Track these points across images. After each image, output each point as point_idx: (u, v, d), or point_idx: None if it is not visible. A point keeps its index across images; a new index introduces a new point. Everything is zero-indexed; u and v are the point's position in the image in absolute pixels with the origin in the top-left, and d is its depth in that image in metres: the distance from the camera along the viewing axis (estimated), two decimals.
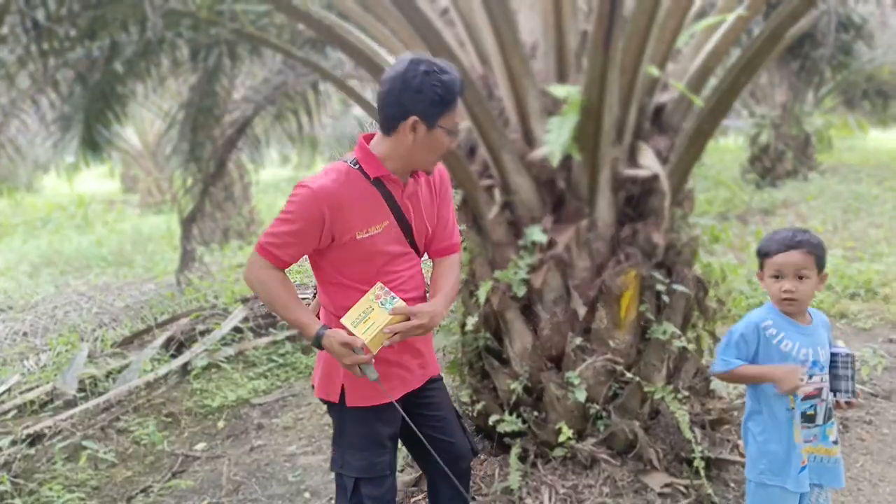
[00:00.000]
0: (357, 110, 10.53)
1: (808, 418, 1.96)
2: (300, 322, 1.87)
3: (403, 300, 1.89)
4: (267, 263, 1.86)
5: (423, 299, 2.02)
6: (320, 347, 1.86)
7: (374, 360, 1.85)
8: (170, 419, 4.07)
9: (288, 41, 4.78)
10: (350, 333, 1.82)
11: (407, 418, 1.98)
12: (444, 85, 1.74)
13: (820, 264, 1.91)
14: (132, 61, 4.98)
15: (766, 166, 11.54)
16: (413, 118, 1.76)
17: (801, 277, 1.90)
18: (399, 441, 2.14)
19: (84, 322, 6.09)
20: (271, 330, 5.31)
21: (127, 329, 5.82)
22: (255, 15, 4.16)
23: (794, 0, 2.37)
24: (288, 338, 5.13)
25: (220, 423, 3.98)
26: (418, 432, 2.00)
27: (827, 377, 1.95)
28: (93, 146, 6.13)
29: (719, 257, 3.99)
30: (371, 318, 1.82)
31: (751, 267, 5.55)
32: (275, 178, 18.78)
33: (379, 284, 1.87)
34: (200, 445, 3.74)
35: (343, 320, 1.84)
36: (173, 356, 4.93)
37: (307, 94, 7.25)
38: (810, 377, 1.93)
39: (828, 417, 1.98)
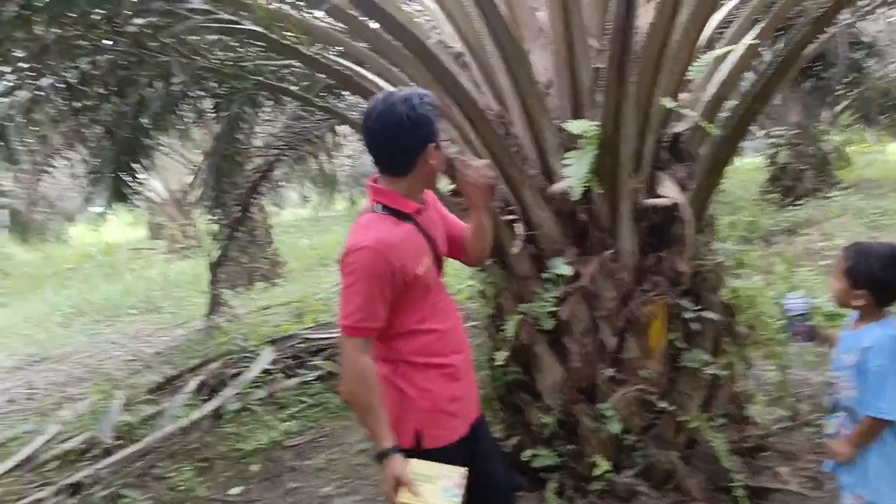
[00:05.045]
0: None
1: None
2: (379, 431, 1.82)
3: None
4: (362, 343, 1.81)
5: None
6: (379, 461, 1.85)
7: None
8: (205, 464, 4.10)
9: (306, 87, 4.92)
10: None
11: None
12: (433, 103, 1.81)
13: (847, 273, 2.02)
14: (158, 115, 5.16)
15: (786, 185, 11.45)
16: (430, 146, 1.82)
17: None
18: None
19: (117, 370, 6.20)
20: (300, 371, 5.35)
21: (159, 375, 5.91)
22: (276, 66, 4.30)
23: (804, 28, 2.42)
24: (317, 378, 5.17)
25: (255, 467, 4.00)
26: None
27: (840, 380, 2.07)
28: (121, 197, 6.32)
29: (745, 281, 3.96)
30: (425, 489, 1.77)
31: (778, 289, 5.49)
32: (294, 217, 19.05)
33: (463, 471, 1.83)
34: (236, 490, 3.76)
35: (412, 463, 1.82)
36: (205, 400, 4.99)
37: (325, 136, 7.44)
38: None
39: (832, 410, 2.17)
